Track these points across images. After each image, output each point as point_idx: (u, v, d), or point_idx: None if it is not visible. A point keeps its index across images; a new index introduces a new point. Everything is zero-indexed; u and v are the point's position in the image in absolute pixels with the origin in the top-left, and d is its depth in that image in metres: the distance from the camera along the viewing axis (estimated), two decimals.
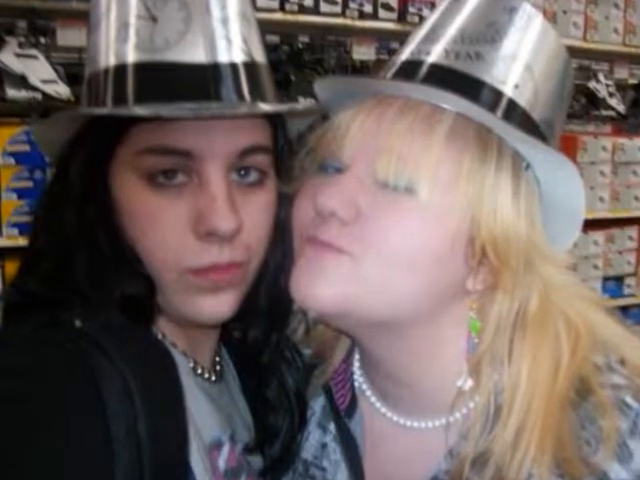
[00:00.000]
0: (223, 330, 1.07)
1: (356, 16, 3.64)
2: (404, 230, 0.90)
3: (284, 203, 1.01)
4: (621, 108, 4.49)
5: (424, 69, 0.95)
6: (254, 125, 0.94)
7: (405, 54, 0.99)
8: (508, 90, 0.94)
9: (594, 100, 4.44)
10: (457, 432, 0.97)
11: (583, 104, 4.38)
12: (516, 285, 0.93)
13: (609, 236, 4.28)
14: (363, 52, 3.81)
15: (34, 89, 2.89)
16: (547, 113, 0.98)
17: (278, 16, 3.42)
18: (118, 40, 0.91)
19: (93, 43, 0.94)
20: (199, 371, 1.02)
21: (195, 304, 0.93)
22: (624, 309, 4.18)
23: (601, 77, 4.54)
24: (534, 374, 0.92)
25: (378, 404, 1.06)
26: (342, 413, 1.07)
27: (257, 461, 1.07)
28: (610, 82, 4.57)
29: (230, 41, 0.91)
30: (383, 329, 0.96)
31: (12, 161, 2.85)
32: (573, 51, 1.09)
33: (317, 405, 1.13)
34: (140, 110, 0.87)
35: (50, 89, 2.91)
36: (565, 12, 4.21)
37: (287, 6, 3.43)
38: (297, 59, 3.64)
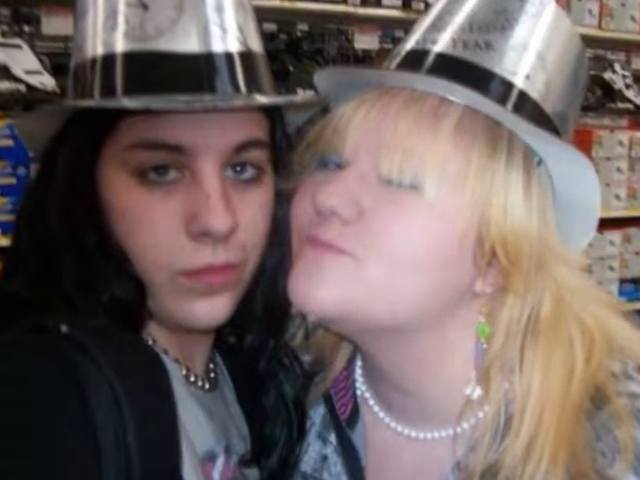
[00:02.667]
0: (217, 335, 1.06)
1: (358, 3, 3.64)
2: (409, 230, 0.90)
3: (282, 201, 1.01)
4: (638, 100, 4.50)
5: (430, 59, 0.95)
6: (250, 118, 0.94)
7: (410, 43, 0.99)
8: (519, 81, 0.94)
9: (610, 92, 4.44)
10: (465, 443, 0.97)
11: (598, 96, 4.38)
12: (528, 288, 0.93)
13: (626, 236, 4.28)
14: (366, 41, 3.82)
15: (17, 80, 2.89)
16: (560, 105, 0.98)
17: (276, 3, 3.42)
18: (106, 28, 0.91)
19: (80, 31, 0.94)
20: (192, 379, 1.01)
21: (188, 308, 0.93)
22: None
23: (617, 68, 4.55)
24: (547, 382, 0.92)
25: (382, 414, 1.05)
26: (343, 423, 1.07)
27: (253, 474, 1.07)
28: (627, 73, 4.57)
29: (225, 29, 0.91)
30: (386, 334, 0.96)
31: None
32: (588, 40, 1.09)
33: (317, 415, 1.13)
34: (129, 102, 0.87)
35: (34, 80, 2.91)
36: None
37: None
38: (296, 48, 3.64)
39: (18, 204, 0.99)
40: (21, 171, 2.86)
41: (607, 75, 4.47)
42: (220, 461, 1.00)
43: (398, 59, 0.99)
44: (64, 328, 0.82)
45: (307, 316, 1.07)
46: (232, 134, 0.92)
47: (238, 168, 0.94)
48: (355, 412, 1.07)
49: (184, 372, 1.01)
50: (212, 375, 1.07)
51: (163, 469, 0.81)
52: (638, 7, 4.43)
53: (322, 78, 1.04)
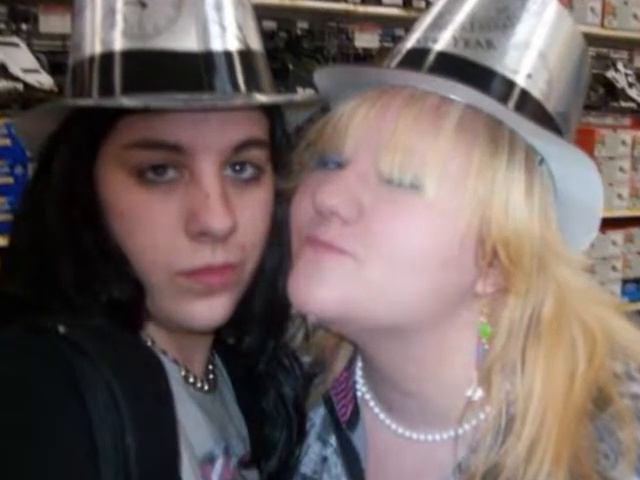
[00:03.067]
0: (216, 336, 1.07)
1: (359, 1, 3.64)
2: (410, 230, 0.90)
3: (282, 200, 1.01)
4: None
5: (431, 58, 0.95)
6: (250, 117, 0.94)
7: (411, 42, 0.99)
8: (520, 80, 0.94)
9: (613, 91, 4.44)
10: (466, 445, 0.97)
11: (601, 95, 4.38)
12: (529, 288, 0.93)
13: (628, 236, 4.28)
14: (366, 39, 3.82)
15: (15, 79, 2.89)
16: (562, 104, 0.98)
17: (275, 1, 3.42)
18: (104, 26, 0.91)
19: (78, 29, 0.94)
20: (191, 380, 1.02)
21: (187, 308, 0.93)
22: None
23: (620, 66, 4.55)
24: (549, 383, 0.92)
25: (382, 415, 1.06)
26: (343, 425, 1.07)
27: (253, 476, 1.07)
28: (630, 71, 4.57)
29: (224, 27, 0.91)
30: (387, 335, 0.96)
31: None
32: (590, 38, 1.09)
33: (317, 416, 1.13)
34: (128, 101, 0.87)
35: (32, 79, 2.91)
36: None
37: None
38: (296, 47, 3.64)
39: (16, 204, 0.99)
40: (19, 170, 2.86)
41: (610, 74, 4.47)
42: (219, 463, 1.00)
43: (399, 57, 1.00)
44: (62, 329, 0.82)
45: (307, 317, 1.07)
46: (231, 133, 0.92)
47: (237, 167, 0.94)
48: (355, 414, 1.07)
49: (183, 373, 1.01)
50: (211, 376, 1.07)
51: (162, 470, 0.81)
52: None
53: (322, 77, 1.04)
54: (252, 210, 0.95)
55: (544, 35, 0.96)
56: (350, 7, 3.63)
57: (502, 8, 0.96)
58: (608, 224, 3.98)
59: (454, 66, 0.94)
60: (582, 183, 0.95)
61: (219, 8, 0.91)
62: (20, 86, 2.89)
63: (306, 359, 1.15)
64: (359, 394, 1.09)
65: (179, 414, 0.85)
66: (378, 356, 1.00)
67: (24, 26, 3.09)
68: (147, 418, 0.80)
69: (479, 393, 0.96)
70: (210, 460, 0.99)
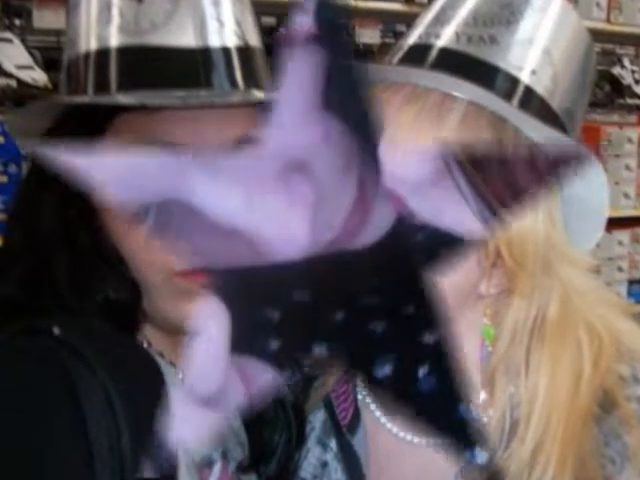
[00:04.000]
0: None
1: None
2: None
3: None
4: None
5: (433, 54, 0.95)
6: (248, 115, 0.94)
7: (413, 37, 1.00)
8: (524, 76, 0.94)
9: (619, 87, 4.44)
10: None
11: (607, 92, 4.37)
12: (533, 289, 0.93)
13: (635, 236, 4.28)
14: (367, 35, 3.81)
15: (8, 75, 2.89)
16: (567, 101, 0.98)
17: None
18: (100, 22, 0.91)
19: (73, 25, 0.94)
20: None
21: (184, 309, 0.93)
22: None
23: (626, 62, 4.54)
24: (553, 386, 0.92)
25: (383, 419, 1.05)
26: (344, 429, 1.07)
27: None
28: (636, 68, 4.57)
29: (222, 23, 0.91)
30: None
31: None
32: (596, 34, 1.09)
33: (317, 420, 1.12)
34: (124, 98, 0.88)
35: (26, 75, 2.91)
36: None
37: None
38: None
39: (9, 203, 0.99)
40: (12, 169, 2.86)
41: (616, 70, 4.47)
42: (217, 467, 1.00)
43: (400, 54, 1.00)
44: (56, 330, 0.82)
45: None
46: (230, 131, 0.92)
47: None
48: (356, 417, 1.07)
49: (180, 376, 1.01)
50: None
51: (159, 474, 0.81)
52: None
53: None
54: None
55: (548, 31, 0.96)
56: (350, 2, 3.62)
57: (506, 3, 0.96)
58: (614, 224, 3.97)
59: (457, 62, 0.94)
60: (587, 182, 0.95)
61: (217, 3, 0.91)
62: (13, 83, 2.89)
63: (306, 360, 1.14)
64: (360, 397, 1.09)
65: None
66: None
67: (17, 21, 3.08)
68: (143, 422, 0.80)
69: (482, 396, 0.96)
70: (208, 464, 0.99)
